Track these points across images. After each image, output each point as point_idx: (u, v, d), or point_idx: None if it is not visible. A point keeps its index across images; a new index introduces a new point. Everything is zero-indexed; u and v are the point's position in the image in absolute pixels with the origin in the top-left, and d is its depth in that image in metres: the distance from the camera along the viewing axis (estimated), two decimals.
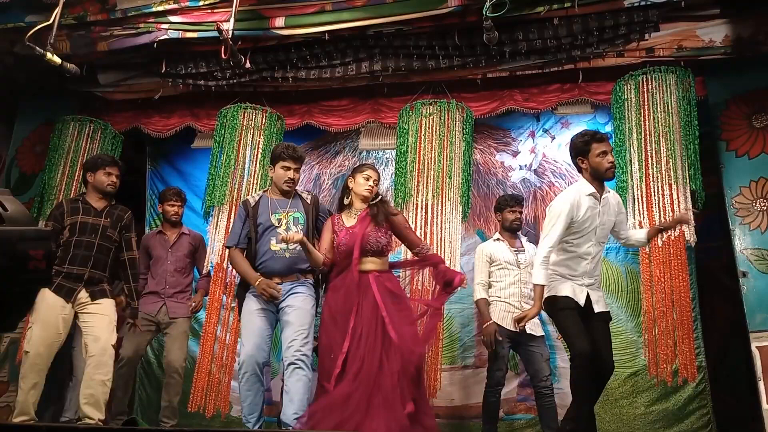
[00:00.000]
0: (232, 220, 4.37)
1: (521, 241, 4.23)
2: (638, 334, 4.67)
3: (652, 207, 4.01)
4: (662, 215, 3.96)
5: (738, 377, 4.02)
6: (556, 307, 3.30)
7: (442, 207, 4.41)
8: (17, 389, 3.64)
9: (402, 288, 3.59)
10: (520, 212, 4.20)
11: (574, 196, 3.24)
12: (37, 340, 3.56)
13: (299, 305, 3.36)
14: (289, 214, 3.47)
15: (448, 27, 4.42)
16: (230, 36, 3.74)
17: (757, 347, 3.98)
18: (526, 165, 5.43)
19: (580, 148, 3.29)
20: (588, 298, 3.29)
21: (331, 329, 3.32)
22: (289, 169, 3.48)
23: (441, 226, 4.35)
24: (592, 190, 3.25)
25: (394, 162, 4.93)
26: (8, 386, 4.75)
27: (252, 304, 3.39)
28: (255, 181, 4.66)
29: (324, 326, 3.40)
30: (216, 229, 4.58)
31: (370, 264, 3.40)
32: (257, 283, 3.33)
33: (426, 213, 4.38)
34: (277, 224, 3.44)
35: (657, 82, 4.24)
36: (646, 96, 4.25)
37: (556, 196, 5.37)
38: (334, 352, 3.23)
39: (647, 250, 4.02)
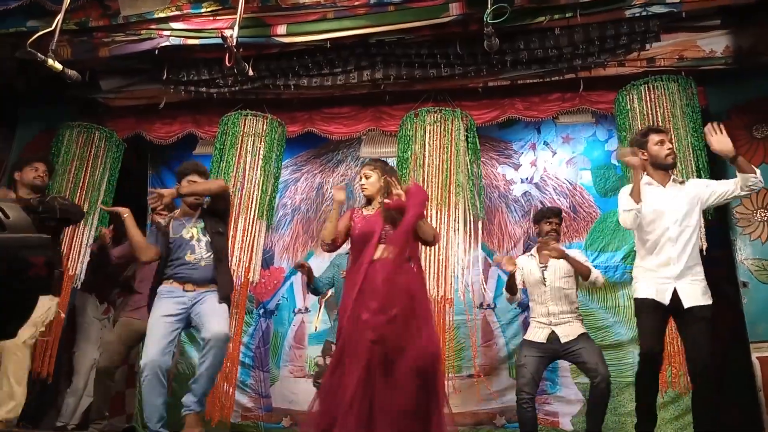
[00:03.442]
0: (239, 226, 4.45)
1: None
2: (632, 347, 4.66)
3: None
4: None
5: (739, 387, 4.00)
6: (636, 309, 3.31)
7: (444, 216, 4.41)
8: None
9: (422, 283, 3.41)
10: (558, 224, 4.12)
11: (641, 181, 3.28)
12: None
13: (213, 306, 3.44)
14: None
15: (449, 36, 4.43)
16: (234, 44, 3.75)
17: (757, 357, 3.97)
18: (527, 178, 5.45)
19: (638, 141, 3.35)
20: (675, 293, 3.15)
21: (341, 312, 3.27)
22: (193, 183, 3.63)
23: (443, 235, 4.34)
24: (650, 179, 3.30)
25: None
26: None
27: (161, 308, 3.39)
28: (256, 188, 4.65)
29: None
30: None
31: (382, 252, 3.25)
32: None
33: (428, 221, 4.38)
34: (191, 239, 3.56)
35: (660, 90, 4.26)
36: (649, 105, 4.26)
37: None
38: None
39: None
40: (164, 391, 3.31)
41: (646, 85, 4.32)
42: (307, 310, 5.50)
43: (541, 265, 4.01)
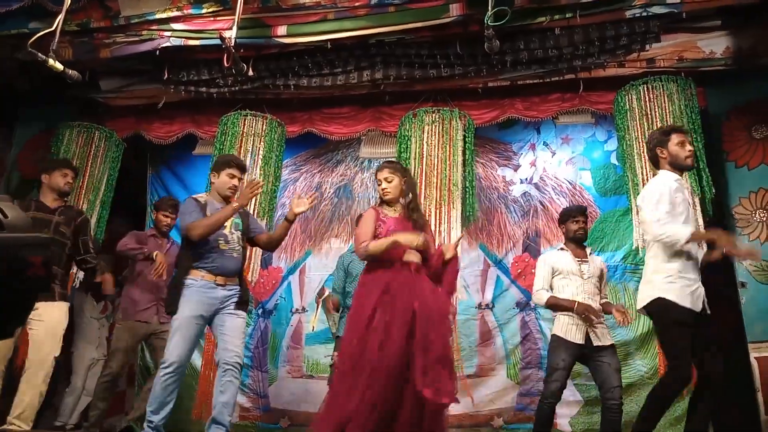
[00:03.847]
0: None
1: (586, 252, 4.02)
2: (636, 346, 4.67)
3: None
4: None
5: (738, 387, 4.01)
6: (669, 316, 2.98)
7: (443, 215, 4.41)
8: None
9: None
10: (584, 222, 4.01)
11: (665, 180, 3.12)
12: None
13: (241, 315, 3.45)
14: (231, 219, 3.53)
15: (449, 36, 4.44)
16: (233, 44, 3.75)
17: (755, 357, 3.98)
18: (526, 179, 5.46)
19: (658, 139, 3.24)
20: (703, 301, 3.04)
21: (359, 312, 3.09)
22: (234, 177, 3.56)
23: (443, 235, 4.35)
24: (678, 176, 3.18)
25: None
26: None
27: (191, 309, 3.32)
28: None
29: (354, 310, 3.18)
30: None
31: (413, 256, 3.20)
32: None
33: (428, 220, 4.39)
34: (228, 228, 3.49)
35: (659, 90, 4.26)
36: (648, 105, 4.26)
37: (557, 212, 5.40)
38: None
39: None
40: (177, 391, 3.31)
41: (646, 86, 4.32)
42: (304, 309, 5.51)
43: (578, 260, 3.91)
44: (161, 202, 4.67)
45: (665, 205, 3.00)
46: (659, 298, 3.00)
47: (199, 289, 3.33)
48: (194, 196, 3.60)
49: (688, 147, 3.21)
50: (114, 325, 4.48)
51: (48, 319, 3.67)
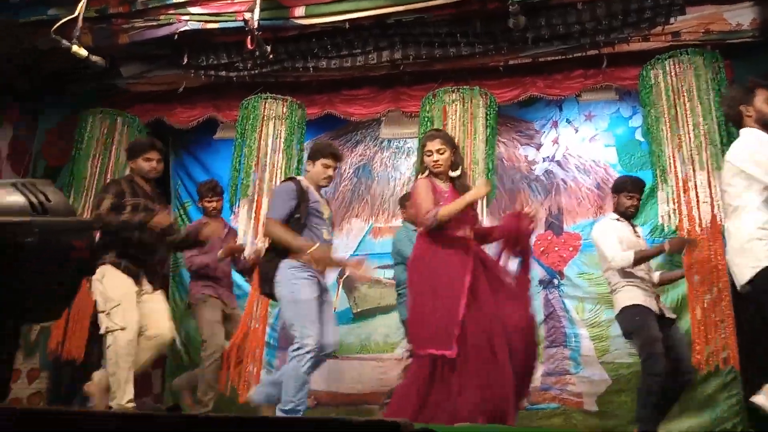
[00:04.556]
0: (262, 209, 4.45)
1: (636, 227, 3.93)
2: None
3: (688, 192, 3.91)
4: (699, 201, 3.86)
5: None
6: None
7: None
8: (107, 376, 3.53)
9: None
10: (638, 200, 3.91)
11: (760, 137, 2.86)
12: (129, 316, 3.49)
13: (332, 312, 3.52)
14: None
15: (469, 14, 4.37)
16: (255, 26, 3.73)
17: None
18: (549, 157, 5.41)
19: (743, 96, 2.99)
20: None
21: (437, 293, 3.04)
22: (328, 167, 3.53)
23: None
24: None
25: (416, 151, 4.92)
26: (39, 373, 4.85)
27: (310, 289, 3.32)
28: (278, 172, 4.67)
29: (425, 291, 3.09)
30: (246, 220, 4.59)
31: (469, 233, 3.21)
32: (313, 249, 3.28)
33: None
34: (326, 216, 3.50)
35: (685, 65, 4.16)
36: (674, 80, 4.17)
37: (580, 191, 5.31)
38: (447, 315, 2.96)
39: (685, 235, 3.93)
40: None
41: (671, 60, 4.22)
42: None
43: (635, 233, 3.84)
44: (200, 190, 4.71)
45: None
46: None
47: (305, 271, 3.34)
48: (298, 178, 3.61)
49: None
50: (194, 309, 4.53)
51: (166, 305, 3.81)
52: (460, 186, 3.24)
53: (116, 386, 3.43)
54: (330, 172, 3.54)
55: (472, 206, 3.28)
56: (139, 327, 3.53)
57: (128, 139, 5.13)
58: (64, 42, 3.76)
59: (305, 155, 5.61)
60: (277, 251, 3.39)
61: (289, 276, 3.31)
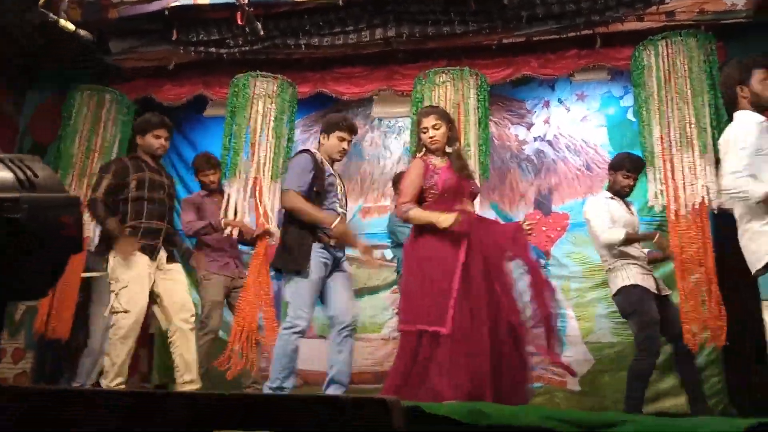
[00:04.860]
0: (247, 189, 4.40)
1: (629, 206, 3.91)
2: None
3: (675, 173, 3.90)
4: (685, 182, 3.86)
5: (754, 346, 4.00)
6: None
7: None
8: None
9: None
10: (635, 180, 3.89)
11: (749, 121, 2.82)
12: (136, 298, 3.49)
13: (348, 277, 3.47)
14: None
15: None
16: (246, 1, 3.68)
17: None
18: (540, 136, 5.40)
19: (738, 76, 2.93)
20: None
21: (429, 270, 3.04)
22: (344, 140, 3.50)
23: None
24: (763, 118, 2.83)
25: (408, 130, 4.89)
26: (24, 353, 4.83)
27: (317, 270, 3.29)
28: (269, 150, 4.62)
29: (417, 269, 3.10)
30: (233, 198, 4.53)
31: (469, 206, 3.22)
32: (336, 223, 3.26)
33: None
34: (339, 191, 3.48)
35: (678, 46, 4.13)
36: (667, 61, 4.15)
37: (570, 171, 5.31)
38: (440, 293, 2.96)
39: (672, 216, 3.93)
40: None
41: (665, 41, 4.19)
42: None
43: (629, 211, 3.82)
44: (197, 163, 4.67)
45: (747, 156, 2.70)
46: None
47: (321, 255, 3.32)
48: (312, 150, 3.53)
49: None
50: (199, 283, 4.52)
51: (184, 277, 3.81)
52: (456, 162, 3.22)
53: (109, 366, 3.45)
54: (345, 145, 3.50)
55: (470, 178, 3.29)
56: (164, 313, 3.62)
57: (116, 117, 5.07)
58: (52, 15, 3.68)
59: (296, 134, 5.63)
60: (300, 224, 3.32)
61: (313, 256, 3.29)
